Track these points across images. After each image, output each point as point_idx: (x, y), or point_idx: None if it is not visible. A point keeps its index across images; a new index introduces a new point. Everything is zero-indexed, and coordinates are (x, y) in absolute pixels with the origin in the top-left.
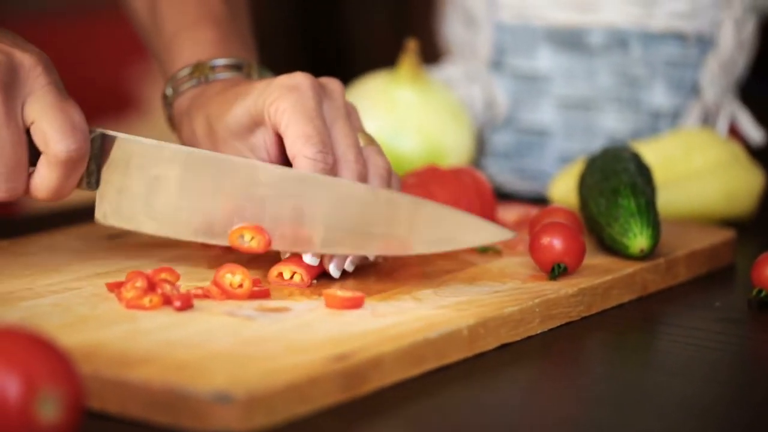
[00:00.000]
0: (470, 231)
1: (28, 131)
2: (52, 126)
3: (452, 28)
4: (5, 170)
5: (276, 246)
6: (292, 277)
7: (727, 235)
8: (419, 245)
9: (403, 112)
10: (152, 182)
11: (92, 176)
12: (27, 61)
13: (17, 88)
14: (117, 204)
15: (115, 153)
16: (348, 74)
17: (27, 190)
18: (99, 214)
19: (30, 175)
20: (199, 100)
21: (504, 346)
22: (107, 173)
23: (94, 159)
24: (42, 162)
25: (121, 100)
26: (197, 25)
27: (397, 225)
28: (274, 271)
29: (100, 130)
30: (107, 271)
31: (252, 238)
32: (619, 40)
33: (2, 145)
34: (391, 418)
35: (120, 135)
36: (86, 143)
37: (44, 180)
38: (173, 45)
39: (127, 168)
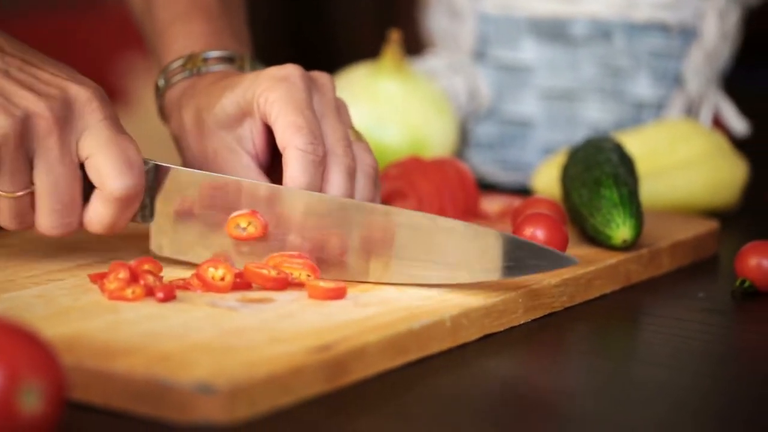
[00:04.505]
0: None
1: (82, 165)
2: (108, 163)
3: (435, 19)
4: (60, 207)
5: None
6: (248, 226)
7: (710, 225)
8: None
9: (386, 103)
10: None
11: (146, 209)
12: (82, 95)
13: (72, 123)
14: (173, 236)
15: (169, 184)
16: (332, 65)
17: (81, 223)
18: (155, 246)
19: (83, 207)
20: (189, 91)
21: (487, 337)
22: (161, 205)
23: (148, 191)
24: (97, 197)
25: (107, 93)
26: (189, 17)
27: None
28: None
29: (153, 162)
30: (90, 263)
31: (249, 223)
32: (602, 31)
33: (57, 182)
34: (373, 408)
35: (173, 166)
36: (142, 179)
37: (99, 215)
38: (165, 36)
39: (181, 199)
